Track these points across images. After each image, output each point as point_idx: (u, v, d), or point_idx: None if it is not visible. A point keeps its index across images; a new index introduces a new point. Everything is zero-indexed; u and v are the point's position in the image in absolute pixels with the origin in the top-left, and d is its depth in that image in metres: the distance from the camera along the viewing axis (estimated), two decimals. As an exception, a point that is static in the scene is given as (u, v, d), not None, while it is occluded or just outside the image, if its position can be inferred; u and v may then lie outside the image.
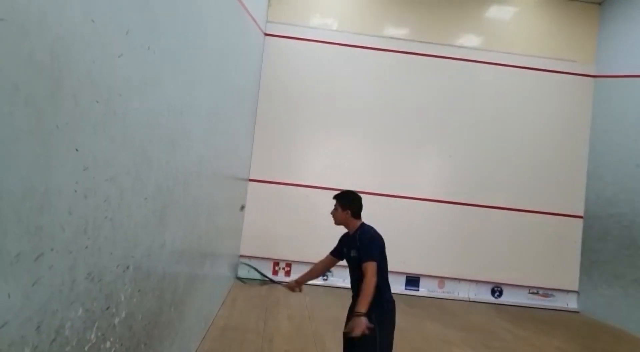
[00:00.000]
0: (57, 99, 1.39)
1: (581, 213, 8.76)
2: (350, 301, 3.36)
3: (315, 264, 3.69)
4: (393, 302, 3.28)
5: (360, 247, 3.19)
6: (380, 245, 3.25)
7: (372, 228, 3.33)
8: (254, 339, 5.14)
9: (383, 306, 3.18)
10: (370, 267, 3.07)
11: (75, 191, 1.58)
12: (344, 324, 3.28)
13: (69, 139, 1.49)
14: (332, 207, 3.43)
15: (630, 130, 8.02)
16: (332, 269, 8.58)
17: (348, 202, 3.37)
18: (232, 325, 5.54)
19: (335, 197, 3.44)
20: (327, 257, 3.60)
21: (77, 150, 1.54)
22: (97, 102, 1.66)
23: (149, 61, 2.21)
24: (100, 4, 1.62)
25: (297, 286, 3.75)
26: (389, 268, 3.38)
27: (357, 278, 3.20)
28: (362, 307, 2.98)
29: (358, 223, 3.37)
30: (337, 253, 3.51)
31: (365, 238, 3.23)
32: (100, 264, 1.87)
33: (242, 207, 3.82)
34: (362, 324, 2.92)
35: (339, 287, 8.17)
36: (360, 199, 3.43)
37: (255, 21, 6.85)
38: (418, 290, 8.48)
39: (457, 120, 8.79)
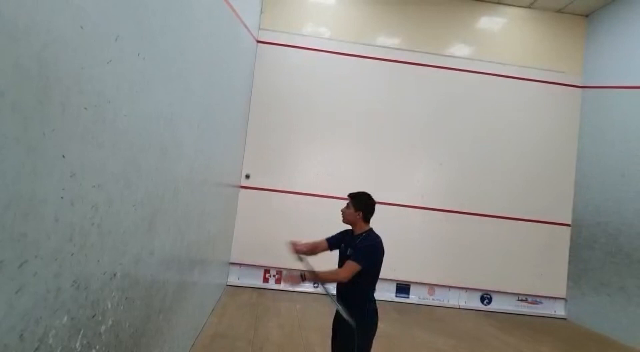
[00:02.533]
0: (45, 105, 1.38)
1: (569, 221, 8.85)
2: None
3: (308, 242, 3.60)
4: (376, 310, 3.32)
5: (357, 249, 3.20)
6: (377, 257, 3.24)
7: (378, 237, 3.32)
8: (244, 347, 5.10)
9: (366, 312, 3.23)
10: (351, 267, 3.10)
11: (62, 198, 1.57)
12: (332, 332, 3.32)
13: (56, 145, 1.48)
14: (345, 205, 3.43)
15: (617, 140, 8.14)
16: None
17: (362, 205, 3.36)
18: (222, 333, 5.50)
19: (351, 195, 3.43)
20: (321, 240, 3.56)
21: (64, 156, 1.53)
22: (86, 108, 1.65)
23: (139, 68, 2.21)
24: (89, 11, 1.62)
25: (297, 250, 3.64)
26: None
27: (344, 283, 3.23)
28: (312, 277, 3.15)
29: (366, 227, 3.37)
30: (333, 243, 3.49)
31: (366, 244, 3.23)
32: (86, 271, 1.86)
33: (247, 176, 3.84)
34: (293, 277, 3.18)
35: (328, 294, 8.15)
36: (374, 204, 3.42)
37: (247, 28, 6.87)
38: (408, 297, 8.48)
39: (447, 128, 8.86)
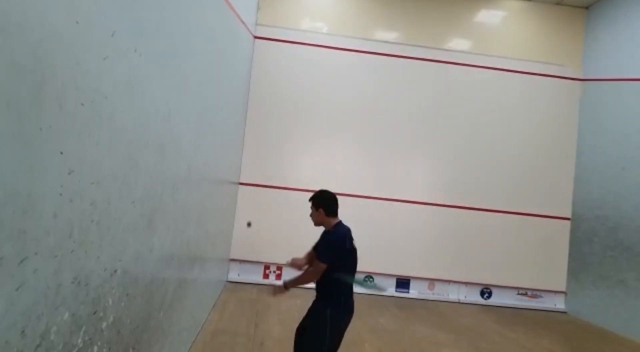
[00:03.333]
0: (41, 101, 1.38)
1: (569, 215, 8.87)
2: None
3: (308, 252, 3.66)
4: (351, 303, 3.36)
5: (318, 246, 3.36)
6: (336, 251, 3.27)
7: (342, 230, 3.36)
8: (245, 343, 5.12)
9: (339, 305, 3.29)
10: (317, 266, 3.24)
11: (61, 195, 1.56)
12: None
13: (53, 142, 1.48)
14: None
15: (616, 133, 8.15)
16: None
17: (320, 202, 3.43)
18: (223, 329, 5.51)
19: (310, 198, 3.49)
20: (311, 250, 3.60)
21: (61, 153, 1.53)
22: (82, 104, 1.65)
23: (136, 64, 2.20)
24: (84, 6, 1.61)
25: (299, 266, 3.65)
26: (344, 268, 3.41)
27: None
28: (290, 280, 3.34)
29: (334, 222, 3.41)
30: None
31: (325, 240, 3.34)
32: (86, 268, 1.86)
33: (249, 224, 3.92)
34: (274, 289, 3.40)
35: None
36: (332, 197, 3.46)
37: (244, 24, 6.86)
38: (408, 292, 8.50)
39: (446, 123, 8.85)
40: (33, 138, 1.36)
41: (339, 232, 3.35)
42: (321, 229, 3.52)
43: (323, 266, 3.22)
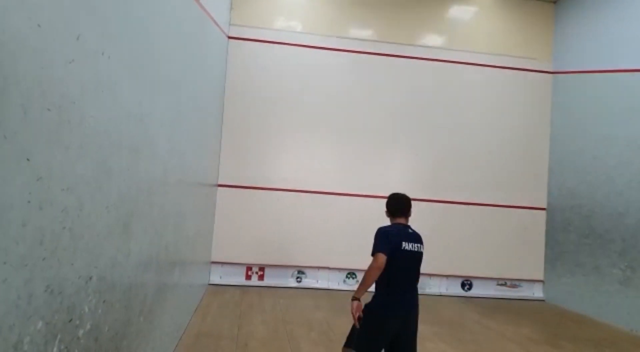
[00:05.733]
0: (4, 108, 1.35)
1: (544, 205, 9.08)
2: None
3: None
4: (387, 303, 3.36)
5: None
6: (381, 241, 3.32)
7: (391, 226, 3.50)
8: (228, 345, 5.09)
9: (382, 299, 3.36)
10: (373, 259, 3.28)
11: (29, 202, 1.53)
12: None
13: (19, 149, 1.44)
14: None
15: (587, 124, 8.37)
16: (305, 270, 8.55)
17: (387, 203, 3.62)
18: (206, 332, 5.47)
19: None
20: None
21: (28, 160, 1.50)
22: (49, 110, 1.62)
23: (104, 67, 2.17)
24: (46, 9, 1.58)
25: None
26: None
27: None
28: (355, 292, 3.36)
29: (394, 221, 3.57)
30: None
31: (376, 234, 3.43)
32: (59, 275, 1.82)
33: None
34: (351, 308, 3.32)
35: (312, 288, 8.20)
36: (398, 198, 3.61)
37: (217, 24, 6.80)
38: (391, 287, 8.57)
39: (422, 118, 8.96)
40: (-3, 145, 1.33)
41: (393, 226, 3.49)
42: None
43: (378, 256, 3.24)
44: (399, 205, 3.58)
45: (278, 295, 7.69)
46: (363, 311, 3.34)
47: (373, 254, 3.29)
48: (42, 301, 1.68)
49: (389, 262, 3.27)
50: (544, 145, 9.20)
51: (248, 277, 8.35)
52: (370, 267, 3.26)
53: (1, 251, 1.39)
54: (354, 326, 3.46)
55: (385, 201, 3.67)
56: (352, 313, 3.33)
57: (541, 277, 8.96)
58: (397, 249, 3.33)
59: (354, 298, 3.35)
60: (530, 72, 9.25)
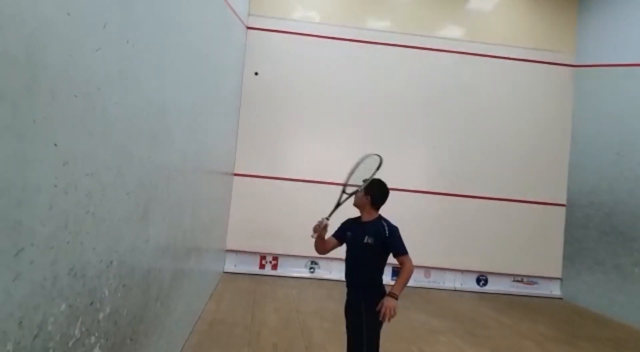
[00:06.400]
0: (33, 93, 1.38)
1: (564, 202, 8.93)
2: (344, 289, 3.41)
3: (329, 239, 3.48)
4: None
5: (390, 240, 3.28)
6: None
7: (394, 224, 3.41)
8: (242, 332, 5.16)
9: (380, 293, 3.27)
10: (409, 260, 3.25)
11: (55, 186, 1.57)
12: (341, 316, 3.35)
13: (47, 133, 1.48)
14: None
15: (610, 119, 8.18)
16: (318, 261, 8.55)
17: (371, 189, 3.41)
18: (220, 319, 5.55)
19: (369, 181, 3.47)
20: (329, 239, 3.47)
21: (55, 145, 1.53)
22: (76, 96, 1.65)
23: (128, 55, 2.19)
24: (75, -3, 1.60)
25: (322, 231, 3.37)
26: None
27: (362, 264, 3.29)
28: (397, 289, 3.17)
29: (375, 214, 3.42)
30: (340, 236, 3.45)
31: (394, 232, 3.32)
32: (82, 259, 1.87)
33: (256, 73, 3.74)
34: (392, 305, 3.11)
35: (325, 279, 8.23)
36: (385, 192, 3.46)
37: (237, 14, 6.81)
38: (405, 281, 8.55)
39: (440, 111, 8.86)
40: (27, 130, 1.36)
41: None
42: (319, 216, 3.42)
43: (409, 257, 3.26)
44: (385, 199, 3.46)
45: (291, 285, 7.75)
46: (370, 308, 3.18)
47: (406, 254, 3.28)
48: (65, 283, 1.73)
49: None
50: (564, 141, 9.03)
51: (262, 266, 8.42)
52: (412, 267, 3.25)
53: (28, 233, 1.43)
54: (358, 335, 3.22)
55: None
56: (392, 313, 3.11)
57: (559, 275, 8.83)
58: None
59: (397, 296, 3.16)
60: (552, 65, 9.06)
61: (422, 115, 8.83)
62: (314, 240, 3.38)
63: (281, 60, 8.55)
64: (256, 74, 3.35)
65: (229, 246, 8.26)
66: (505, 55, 8.95)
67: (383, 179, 3.55)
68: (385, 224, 3.34)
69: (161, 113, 2.95)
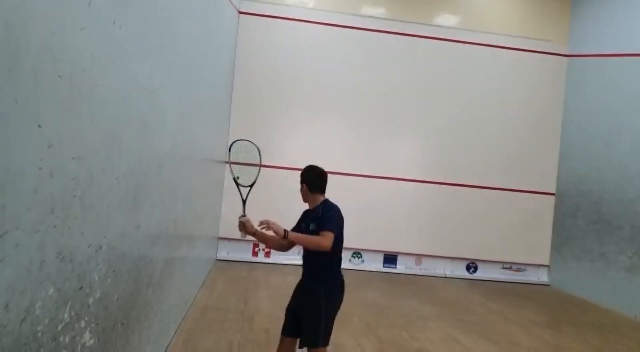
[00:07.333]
0: (15, 73, 1.34)
1: (553, 191, 9.01)
2: (300, 277, 3.35)
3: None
4: (342, 280, 3.27)
5: (321, 219, 3.11)
6: (340, 222, 3.17)
7: (336, 206, 3.23)
8: (235, 318, 5.18)
9: (333, 283, 3.20)
10: (328, 236, 3.00)
11: (40, 169, 1.54)
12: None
13: (30, 114, 1.44)
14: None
15: (601, 109, 8.22)
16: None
17: (305, 177, 3.31)
18: (213, 305, 5.56)
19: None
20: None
21: (39, 126, 1.50)
22: (60, 77, 1.61)
23: (115, 36, 2.15)
24: (58, -26, 1.56)
25: (248, 228, 3.34)
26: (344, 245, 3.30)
27: (311, 253, 3.17)
28: (291, 235, 3.05)
29: (320, 199, 3.27)
30: (297, 229, 3.32)
31: (327, 211, 3.15)
32: (71, 243, 1.85)
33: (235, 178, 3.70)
34: (277, 228, 3.04)
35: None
36: (318, 172, 3.31)
37: (229, -1, 6.71)
38: (396, 267, 8.63)
39: (433, 99, 8.85)
40: (8, 110, 1.33)
41: (337, 207, 3.21)
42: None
43: (332, 235, 3.00)
44: (321, 180, 3.29)
45: (284, 272, 7.77)
46: (318, 297, 3.11)
47: (328, 229, 3.03)
48: (53, 267, 1.71)
49: (339, 243, 3.16)
50: (555, 130, 9.08)
51: (255, 253, 8.43)
52: (323, 243, 2.99)
53: (13, 217, 1.41)
54: (309, 324, 3.16)
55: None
56: (276, 230, 3.04)
57: (547, 262, 8.95)
58: (342, 229, 3.20)
59: (284, 233, 3.04)
60: (546, 55, 9.06)
61: (415, 103, 8.81)
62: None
63: (274, 46, 8.47)
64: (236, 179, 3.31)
65: (222, 234, 8.24)
66: (499, 44, 8.93)
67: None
68: (322, 206, 3.21)
69: (151, 98, 2.91)
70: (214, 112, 6.32)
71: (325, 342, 3.15)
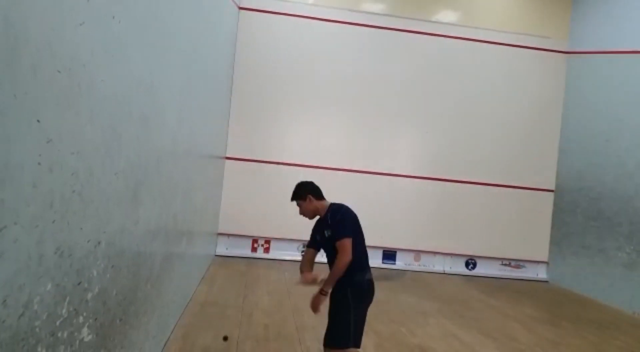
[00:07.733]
0: (14, 67, 1.33)
1: (552, 187, 9.01)
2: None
3: (302, 263, 3.37)
4: (371, 279, 3.22)
5: (332, 225, 3.12)
6: (353, 221, 3.17)
7: (342, 205, 3.25)
8: (234, 313, 5.19)
9: (360, 285, 3.15)
10: (346, 244, 3.02)
11: (39, 164, 1.54)
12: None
13: (29, 109, 1.44)
14: (298, 209, 3.31)
15: (600, 106, 8.22)
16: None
17: (304, 191, 3.28)
18: (212, 301, 5.57)
19: (293, 198, 3.32)
20: (307, 251, 3.40)
21: (38, 121, 1.49)
22: (59, 72, 1.60)
23: (115, 31, 2.14)
24: (57, -32, 1.55)
25: (311, 278, 3.28)
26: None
27: (334, 256, 3.13)
28: (327, 285, 3.06)
29: (325, 204, 3.28)
30: (313, 243, 3.34)
31: (336, 216, 3.15)
32: (70, 239, 1.84)
33: (225, 338, 3.78)
34: (320, 302, 3.08)
35: (317, 262, 8.27)
36: (312, 182, 3.34)
37: (228, -6, 6.68)
38: (395, 263, 8.65)
39: (432, 96, 8.84)
40: (7, 105, 1.32)
41: (344, 206, 3.24)
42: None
43: (349, 241, 3.02)
44: (318, 187, 3.32)
45: (283, 268, 7.79)
46: (345, 296, 3.10)
47: (345, 237, 3.05)
48: (52, 262, 1.71)
49: (360, 242, 3.20)
50: (554, 127, 9.07)
51: (254, 249, 8.44)
52: (347, 258, 3.03)
53: (12, 212, 1.41)
54: (336, 323, 3.16)
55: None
56: (318, 307, 3.12)
57: (545, 259, 8.97)
58: (359, 225, 3.25)
59: (325, 293, 3.09)
60: (545, 51, 9.04)
61: (414, 100, 8.80)
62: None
63: (274, 42, 8.44)
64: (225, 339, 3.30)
65: (221, 229, 8.25)
66: (499, 41, 8.91)
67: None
68: (330, 211, 3.22)
69: (150, 94, 2.90)
70: (213, 107, 6.31)
71: (357, 344, 3.10)
